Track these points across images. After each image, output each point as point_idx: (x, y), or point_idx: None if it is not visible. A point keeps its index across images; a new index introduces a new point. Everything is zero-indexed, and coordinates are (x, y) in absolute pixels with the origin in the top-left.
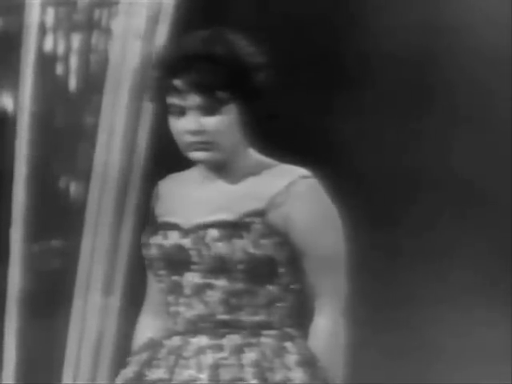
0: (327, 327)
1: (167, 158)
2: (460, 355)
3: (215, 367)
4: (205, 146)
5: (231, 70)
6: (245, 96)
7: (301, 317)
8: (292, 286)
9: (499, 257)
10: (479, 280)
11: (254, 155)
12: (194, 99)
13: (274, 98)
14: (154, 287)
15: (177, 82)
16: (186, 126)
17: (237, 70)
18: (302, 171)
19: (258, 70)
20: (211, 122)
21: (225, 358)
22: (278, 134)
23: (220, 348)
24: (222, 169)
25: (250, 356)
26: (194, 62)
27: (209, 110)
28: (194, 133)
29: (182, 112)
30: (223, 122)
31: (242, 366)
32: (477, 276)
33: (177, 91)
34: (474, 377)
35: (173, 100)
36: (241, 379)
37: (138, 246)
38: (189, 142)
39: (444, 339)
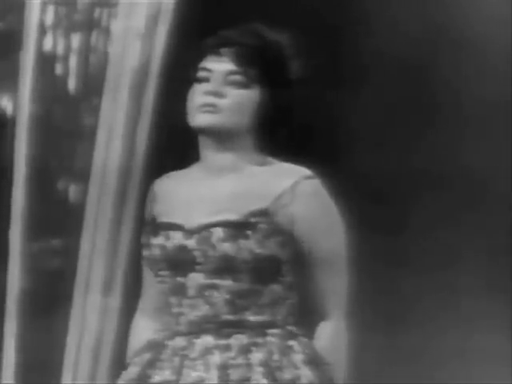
0: (330, 328)
1: (166, 158)
2: (460, 357)
3: (224, 367)
4: (213, 108)
5: (269, 54)
6: (272, 81)
7: (303, 315)
8: (295, 285)
9: (503, 260)
10: (481, 283)
11: (257, 154)
12: (226, 65)
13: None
14: (152, 288)
15: (222, 50)
16: (207, 87)
17: (274, 56)
18: (305, 171)
19: (292, 65)
20: (232, 91)
21: (233, 358)
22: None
23: (227, 348)
24: (223, 165)
25: (257, 355)
26: (242, 38)
27: (235, 78)
28: (211, 93)
29: (207, 79)
30: (242, 96)
31: (250, 365)
32: (479, 279)
33: (216, 55)
34: (475, 378)
35: (208, 64)
36: (250, 379)
37: (137, 246)
38: (200, 102)
39: (445, 341)
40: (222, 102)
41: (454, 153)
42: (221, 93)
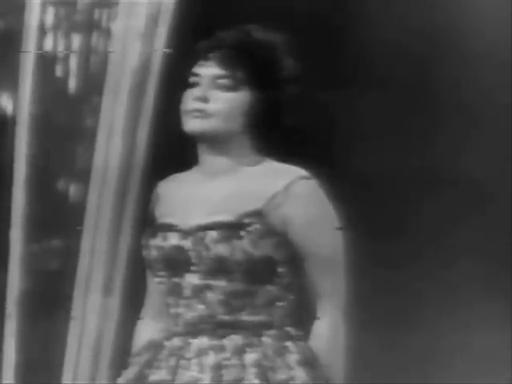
0: (328, 328)
1: (167, 158)
2: (460, 357)
3: (218, 368)
4: (203, 114)
5: (257, 55)
6: (262, 82)
7: (300, 316)
8: (291, 286)
9: (503, 261)
10: (481, 284)
11: (254, 155)
12: (213, 70)
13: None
14: (154, 289)
15: (211, 54)
16: (196, 92)
17: (263, 57)
18: (301, 172)
19: (284, 65)
20: (220, 95)
21: (227, 359)
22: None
23: (222, 348)
24: (220, 167)
25: (251, 356)
26: (229, 41)
27: (222, 82)
28: (200, 98)
29: (197, 84)
30: (231, 99)
31: (244, 366)
32: (479, 280)
33: (205, 60)
34: (475, 378)
35: (197, 69)
36: (243, 379)
37: (137, 247)
38: (191, 108)
39: (445, 342)
40: (210, 107)
41: (452, 155)
42: (207, 97)
